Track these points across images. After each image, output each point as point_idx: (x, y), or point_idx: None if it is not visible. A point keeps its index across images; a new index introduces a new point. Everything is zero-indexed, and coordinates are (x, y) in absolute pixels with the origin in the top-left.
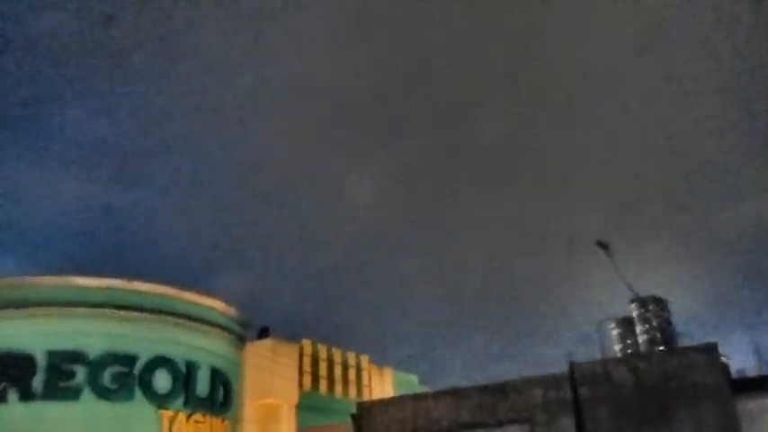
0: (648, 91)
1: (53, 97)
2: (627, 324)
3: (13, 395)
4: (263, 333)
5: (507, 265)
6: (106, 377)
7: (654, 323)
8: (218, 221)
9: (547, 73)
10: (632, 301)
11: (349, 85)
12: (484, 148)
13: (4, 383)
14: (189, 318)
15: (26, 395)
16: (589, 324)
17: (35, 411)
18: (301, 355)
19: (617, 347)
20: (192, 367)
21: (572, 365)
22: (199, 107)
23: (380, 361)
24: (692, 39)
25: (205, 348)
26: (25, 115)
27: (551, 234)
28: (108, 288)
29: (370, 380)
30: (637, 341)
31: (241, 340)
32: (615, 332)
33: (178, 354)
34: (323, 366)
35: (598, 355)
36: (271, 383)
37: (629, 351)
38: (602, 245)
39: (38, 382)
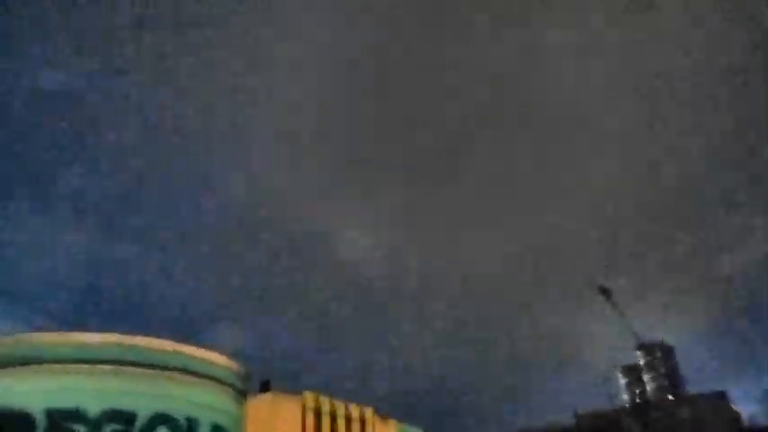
0: (647, 129)
1: (50, 153)
2: (633, 372)
3: None
4: (265, 386)
5: (509, 313)
6: None
7: (661, 370)
8: (216, 272)
9: (545, 109)
10: (638, 348)
11: (346, 133)
12: (482, 188)
13: None
14: (189, 373)
15: None
16: (594, 369)
17: None
18: (304, 409)
19: (625, 396)
20: (193, 424)
21: (578, 417)
22: (191, 160)
23: (385, 410)
24: (684, 82)
25: (206, 404)
26: (22, 170)
27: (553, 278)
28: (106, 344)
29: None
30: (645, 389)
31: (243, 395)
32: (622, 381)
33: (179, 410)
34: (326, 420)
35: (605, 404)
36: None
37: (636, 400)
38: (604, 291)
39: None
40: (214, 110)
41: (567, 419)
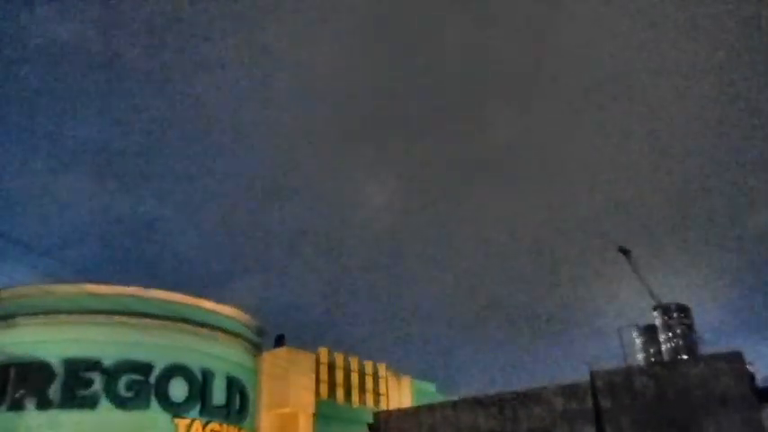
0: (669, 90)
1: (69, 107)
2: (649, 332)
3: (30, 403)
4: (279, 341)
5: (524, 270)
6: (122, 385)
7: (677, 331)
8: (234, 228)
9: (560, 74)
10: (655, 309)
11: (363, 89)
12: (498, 148)
13: (21, 391)
14: (204, 326)
15: (43, 403)
16: (610, 331)
17: (52, 419)
18: (318, 364)
19: (639, 356)
20: (208, 375)
21: (593, 374)
22: (213, 112)
23: (398, 368)
24: (709, 42)
25: (221, 356)
26: (41, 124)
27: (570, 239)
28: (123, 296)
29: (387, 388)
30: (660, 349)
31: (257, 348)
32: (637, 340)
33: (194, 362)
34: (339, 374)
35: (620, 364)
36: (287, 392)
37: (652, 359)
38: (624, 251)
39: (55, 390)
40: (234, 69)
41: (582, 378)
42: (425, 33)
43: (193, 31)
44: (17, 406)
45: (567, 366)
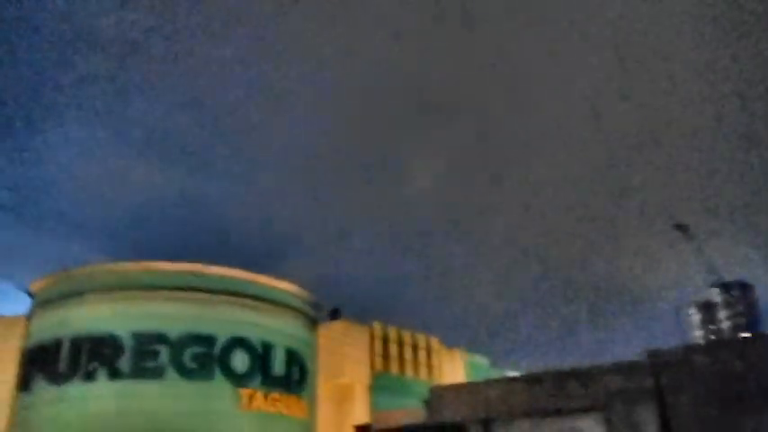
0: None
1: (131, 88)
2: (708, 309)
3: (102, 374)
4: (335, 314)
5: (579, 248)
6: (187, 357)
7: (739, 308)
8: (288, 207)
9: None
10: (715, 286)
11: (407, 74)
12: (545, 123)
13: (94, 363)
14: (264, 300)
15: (114, 374)
16: (667, 309)
17: (123, 389)
18: (372, 337)
19: (698, 333)
20: (268, 348)
21: (651, 352)
22: (268, 97)
23: (451, 342)
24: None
25: (280, 330)
26: (103, 105)
27: (624, 216)
28: (186, 272)
29: (440, 362)
30: (719, 327)
31: (314, 322)
32: (696, 317)
33: (254, 335)
34: (393, 348)
35: (677, 342)
36: (343, 364)
37: (711, 337)
38: (681, 227)
39: (125, 362)
40: (289, 55)
41: (638, 356)
42: (476, 24)
43: (257, 21)
44: (89, 377)
45: (624, 343)
